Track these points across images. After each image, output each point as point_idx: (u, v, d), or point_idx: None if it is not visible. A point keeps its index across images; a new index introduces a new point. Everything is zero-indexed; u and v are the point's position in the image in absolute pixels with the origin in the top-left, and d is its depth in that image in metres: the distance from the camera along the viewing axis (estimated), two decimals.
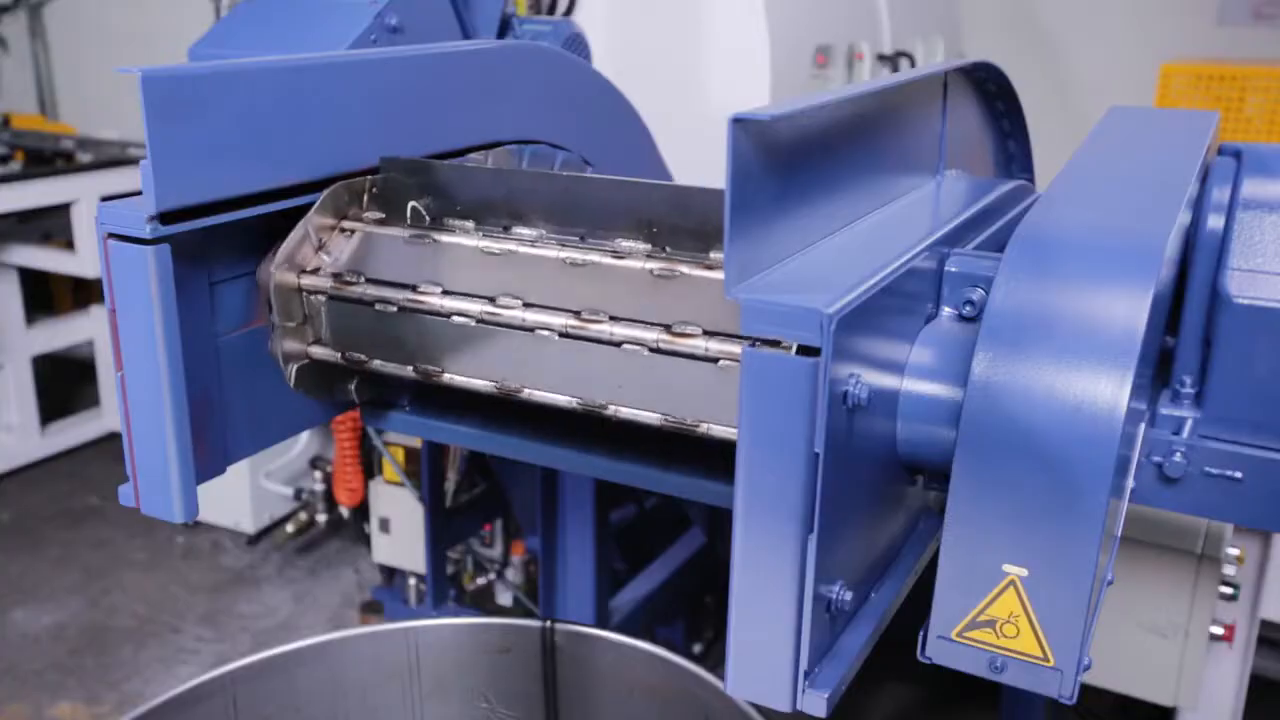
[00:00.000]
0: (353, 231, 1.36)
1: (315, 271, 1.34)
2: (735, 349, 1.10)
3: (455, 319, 1.28)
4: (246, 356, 1.33)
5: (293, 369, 1.38)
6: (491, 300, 1.26)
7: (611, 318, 1.19)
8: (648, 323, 1.17)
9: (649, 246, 1.23)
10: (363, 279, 1.33)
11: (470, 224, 1.35)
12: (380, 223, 1.37)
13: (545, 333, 1.23)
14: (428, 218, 1.37)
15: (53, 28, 6.44)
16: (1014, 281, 1.02)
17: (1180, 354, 1.33)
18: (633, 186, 1.25)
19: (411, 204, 1.37)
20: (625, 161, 1.96)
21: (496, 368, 1.29)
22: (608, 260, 1.23)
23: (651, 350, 1.16)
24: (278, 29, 1.72)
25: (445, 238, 1.33)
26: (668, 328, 1.15)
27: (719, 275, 1.16)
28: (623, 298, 1.20)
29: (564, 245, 1.27)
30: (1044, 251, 1.05)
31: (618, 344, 1.18)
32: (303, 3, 1.75)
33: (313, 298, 1.35)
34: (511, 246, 1.29)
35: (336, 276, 1.33)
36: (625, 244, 1.25)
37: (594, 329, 1.19)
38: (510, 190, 1.32)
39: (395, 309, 1.31)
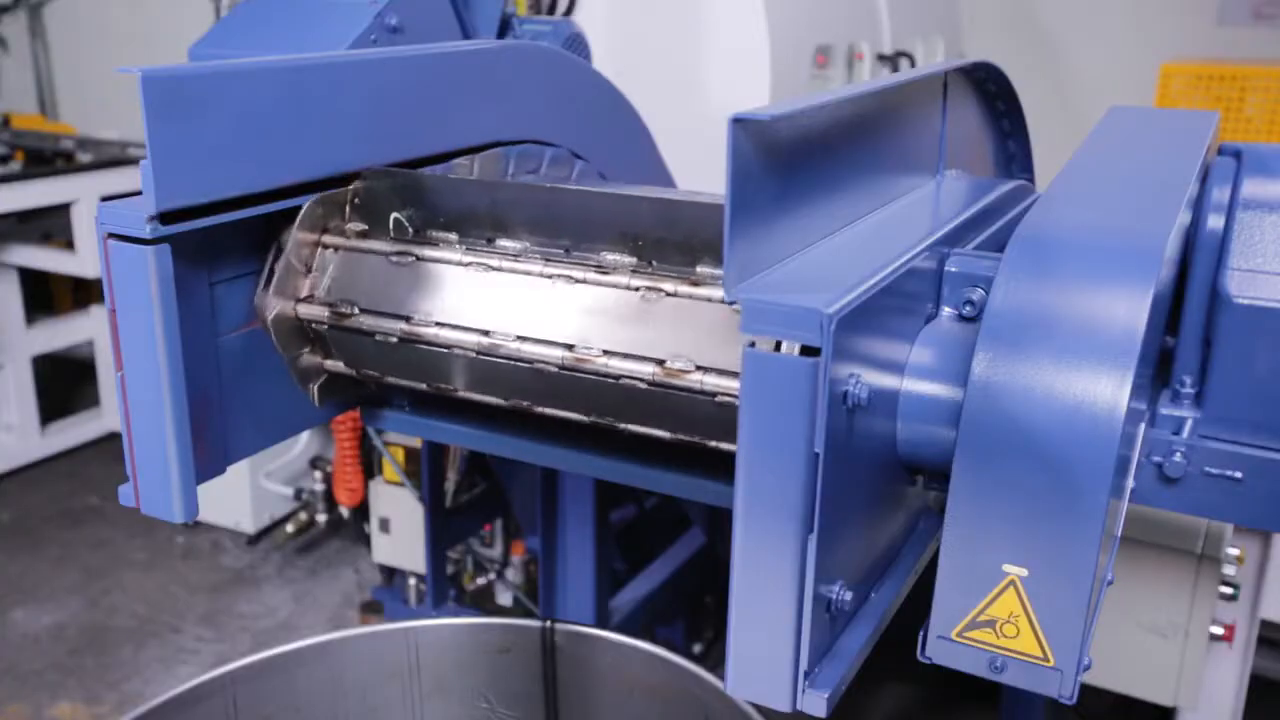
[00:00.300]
0: (336, 249, 1.35)
1: (310, 299, 1.34)
2: (731, 384, 1.10)
3: (455, 350, 1.28)
4: (246, 356, 1.33)
5: (314, 388, 1.39)
6: (486, 334, 1.25)
7: (605, 351, 1.18)
8: (641, 357, 1.16)
9: (634, 260, 1.22)
10: (357, 309, 1.32)
11: (454, 236, 1.33)
12: (363, 235, 1.35)
13: (543, 365, 1.22)
14: (410, 230, 1.35)
15: (53, 28, 6.44)
16: (1014, 281, 1.02)
17: (1180, 354, 1.33)
18: (617, 198, 1.24)
19: (394, 215, 1.35)
20: (625, 162, 1.96)
21: (504, 389, 1.29)
22: (594, 276, 1.23)
23: (649, 385, 1.16)
24: (278, 29, 1.72)
25: (430, 253, 1.32)
26: (661, 363, 1.15)
27: (706, 292, 1.16)
28: (613, 319, 1.20)
29: (549, 260, 1.26)
30: (1044, 251, 1.05)
31: (615, 378, 1.18)
32: (303, 3, 1.75)
33: (314, 325, 1.36)
34: (497, 263, 1.28)
35: (330, 307, 1.32)
36: (611, 257, 1.24)
37: (591, 363, 1.19)
38: (494, 201, 1.31)
39: (395, 339, 1.31)
